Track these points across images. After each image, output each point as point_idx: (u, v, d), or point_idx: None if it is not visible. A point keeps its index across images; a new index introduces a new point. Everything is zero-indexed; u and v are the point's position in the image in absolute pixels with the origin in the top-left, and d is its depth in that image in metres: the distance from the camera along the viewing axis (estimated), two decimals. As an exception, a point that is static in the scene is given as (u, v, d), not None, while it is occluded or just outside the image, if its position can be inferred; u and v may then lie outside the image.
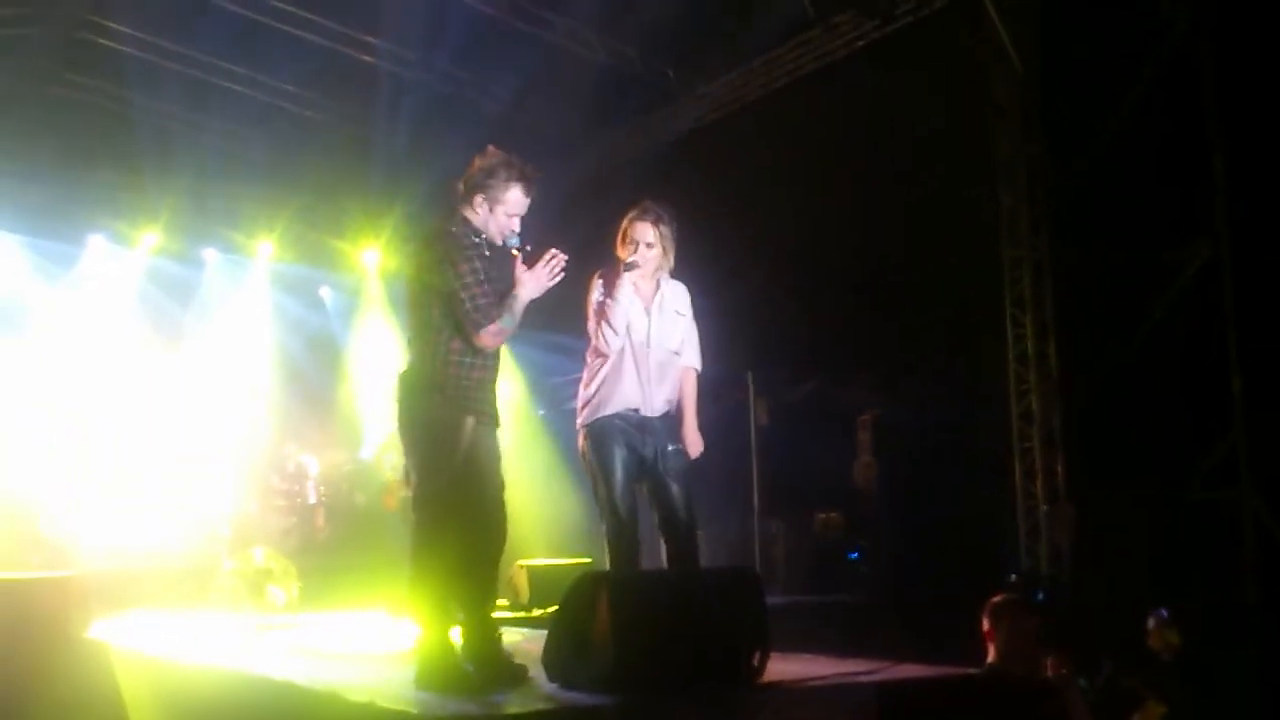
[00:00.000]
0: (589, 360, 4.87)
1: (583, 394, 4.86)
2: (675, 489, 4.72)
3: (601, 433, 4.72)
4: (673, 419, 4.83)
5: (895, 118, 9.46)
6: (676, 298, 4.89)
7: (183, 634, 6.14)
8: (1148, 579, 8.16)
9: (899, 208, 9.84)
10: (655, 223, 4.83)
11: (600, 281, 4.84)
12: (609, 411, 4.73)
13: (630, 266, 4.76)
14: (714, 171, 10.45)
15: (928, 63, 9.32)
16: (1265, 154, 8.73)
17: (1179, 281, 9.41)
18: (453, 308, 4.04)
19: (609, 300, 4.74)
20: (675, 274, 4.98)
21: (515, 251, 4.20)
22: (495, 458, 4.25)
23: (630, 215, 4.86)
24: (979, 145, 10.01)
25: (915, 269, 10.08)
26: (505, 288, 4.12)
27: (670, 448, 4.75)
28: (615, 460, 4.67)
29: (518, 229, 4.22)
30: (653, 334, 4.79)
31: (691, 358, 4.87)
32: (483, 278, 4.05)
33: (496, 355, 4.22)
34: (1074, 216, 9.76)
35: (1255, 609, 8.58)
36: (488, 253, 4.16)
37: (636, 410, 4.73)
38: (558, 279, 4.16)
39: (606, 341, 4.74)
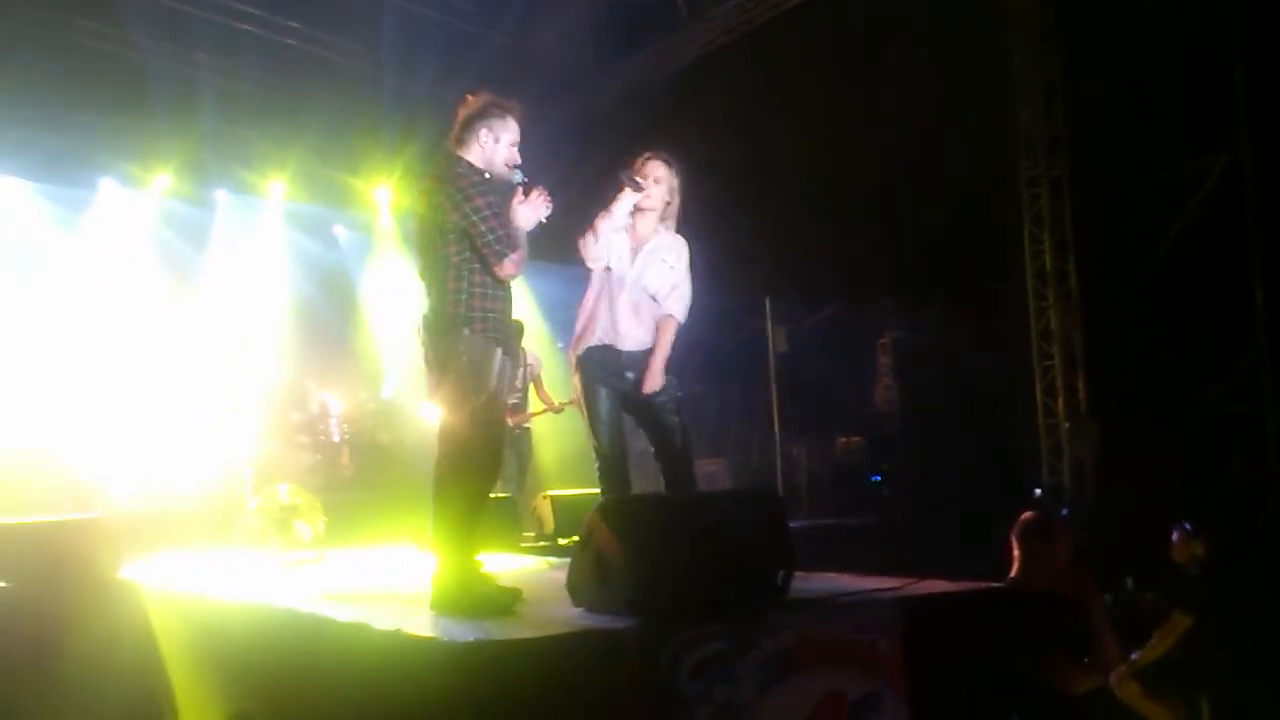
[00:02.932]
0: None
1: (576, 324, 4.96)
2: (662, 418, 4.80)
3: (583, 365, 4.84)
4: (650, 354, 4.85)
5: (911, 37, 9.31)
6: (671, 249, 4.89)
7: (212, 572, 6.21)
8: (1170, 494, 8.16)
9: (915, 129, 9.71)
10: (666, 163, 4.90)
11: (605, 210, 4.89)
12: (589, 344, 4.83)
13: (636, 187, 4.79)
14: (725, 98, 10.34)
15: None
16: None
17: (1198, 195, 9.30)
18: (473, 241, 4.09)
19: (599, 220, 4.81)
20: (686, 221, 5.00)
21: (518, 184, 4.26)
22: (505, 389, 4.33)
23: (644, 155, 4.91)
24: (997, 64, 9.86)
25: (932, 189, 9.98)
26: (509, 220, 4.20)
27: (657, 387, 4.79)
28: (596, 392, 4.80)
29: (519, 160, 4.27)
30: (631, 272, 4.80)
31: (673, 307, 4.85)
32: (493, 213, 4.10)
33: (509, 288, 4.27)
34: (1091, 133, 9.64)
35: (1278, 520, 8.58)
36: (501, 197, 4.22)
37: (612, 344, 4.79)
38: (547, 212, 4.23)
39: (586, 261, 4.83)
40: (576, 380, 4.88)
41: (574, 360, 4.89)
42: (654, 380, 4.77)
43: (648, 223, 4.90)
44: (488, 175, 4.23)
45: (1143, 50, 9.12)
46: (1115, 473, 9.23)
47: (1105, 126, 9.49)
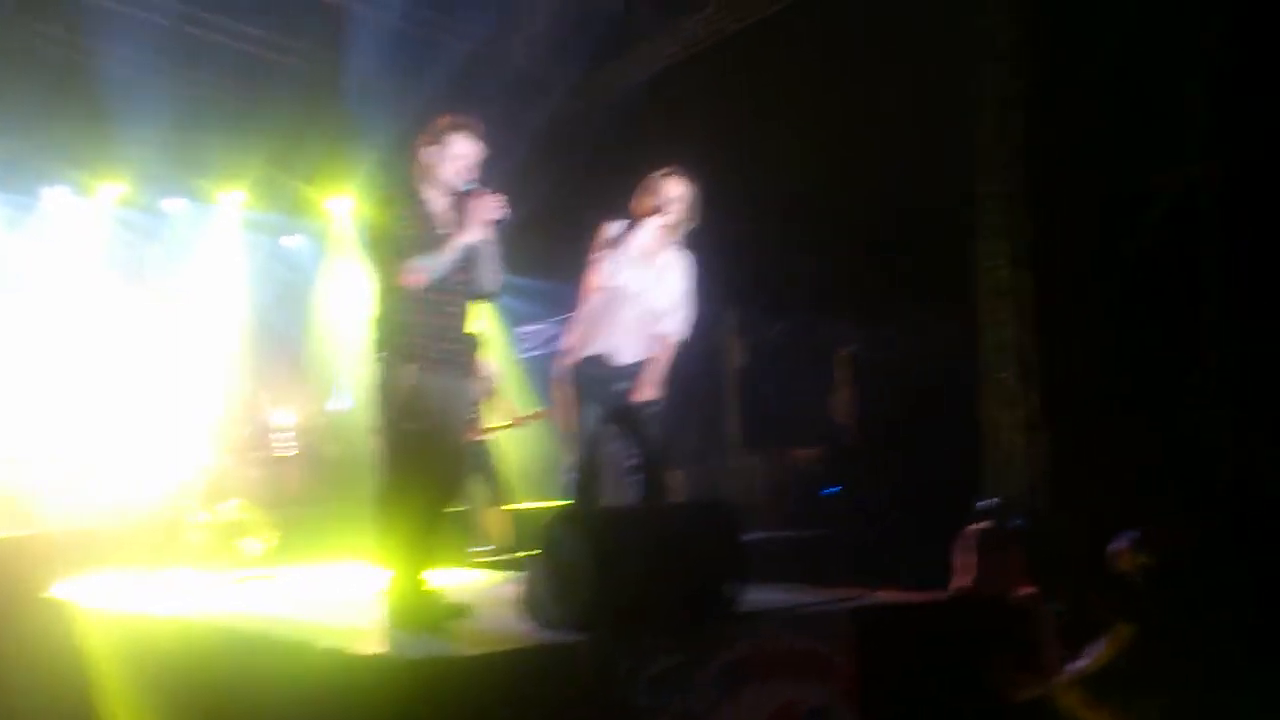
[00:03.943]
0: (581, 302, 4.96)
1: (567, 335, 4.99)
2: (647, 429, 4.80)
3: (575, 376, 4.87)
4: (645, 366, 4.92)
5: (872, 53, 9.38)
6: (677, 265, 4.96)
7: (150, 590, 6.09)
8: (1121, 505, 8.24)
9: (876, 143, 9.77)
10: (687, 181, 5.00)
11: (617, 226, 4.96)
12: (585, 354, 4.87)
13: (658, 211, 4.91)
14: (688, 111, 10.35)
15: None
16: (1245, 81, 8.71)
17: (1154, 211, 9.42)
18: (379, 254, 4.18)
19: (620, 242, 4.87)
20: None
21: (465, 193, 4.30)
22: (449, 408, 4.25)
23: (661, 172, 4.99)
24: (957, 79, 9.94)
25: (892, 203, 10.04)
26: (433, 228, 4.24)
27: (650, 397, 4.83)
28: (585, 404, 4.84)
29: (470, 175, 4.28)
30: (638, 289, 4.85)
31: (675, 326, 4.93)
32: (406, 223, 4.14)
33: (454, 304, 4.23)
34: (1049, 148, 9.73)
35: (1229, 531, 8.68)
36: (431, 209, 4.26)
37: (609, 355, 4.81)
38: (498, 217, 4.17)
39: (600, 284, 4.86)
40: (565, 391, 4.90)
41: (565, 371, 4.89)
42: (648, 390, 4.81)
43: (657, 239, 4.93)
44: (428, 195, 4.26)
45: (1102, 67, 9.24)
46: (1066, 484, 9.32)
47: (1063, 142, 9.59)
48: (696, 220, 5.01)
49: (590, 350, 4.84)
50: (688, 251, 5.06)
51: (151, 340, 10.24)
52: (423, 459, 4.09)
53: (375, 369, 4.18)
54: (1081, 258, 9.70)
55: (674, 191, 4.91)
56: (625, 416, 4.85)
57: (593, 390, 4.81)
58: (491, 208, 4.17)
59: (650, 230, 4.86)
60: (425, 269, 4.10)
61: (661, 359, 4.88)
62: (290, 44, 10.09)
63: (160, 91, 9.52)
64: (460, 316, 4.27)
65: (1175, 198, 9.27)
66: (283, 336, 11.44)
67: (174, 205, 11.08)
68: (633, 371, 4.85)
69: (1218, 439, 9.01)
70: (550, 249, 9.54)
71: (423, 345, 4.13)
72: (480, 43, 10.07)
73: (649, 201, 4.91)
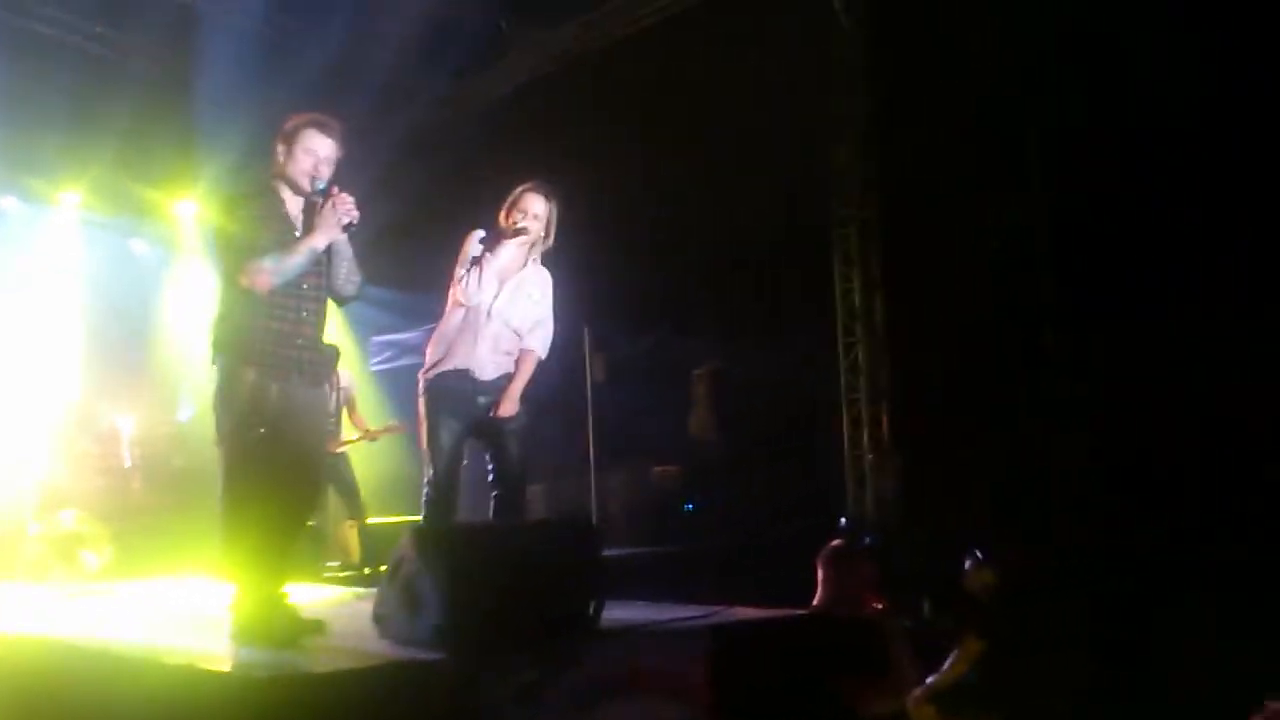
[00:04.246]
0: (442, 316, 4.90)
1: (429, 350, 4.90)
2: (509, 445, 4.83)
3: (434, 390, 4.79)
4: (507, 381, 4.88)
5: (733, 75, 9.51)
6: (537, 283, 4.94)
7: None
8: (967, 523, 8.50)
9: (735, 164, 9.92)
10: (547, 197, 4.94)
11: (478, 241, 4.89)
12: (445, 369, 4.79)
13: (520, 232, 4.83)
14: (550, 126, 10.34)
15: (765, 19, 9.39)
16: (1082, 112, 9.15)
17: (996, 238, 9.80)
18: (222, 253, 4.04)
19: (483, 258, 4.80)
20: None
21: (317, 195, 4.14)
22: (296, 411, 4.10)
23: (523, 187, 4.94)
24: (814, 105, 10.16)
25: (751, 224, 10.19)
26: (278, 229, 4.10)
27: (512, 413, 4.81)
28: (441, 419, 4.76)
29: (323, 173, 4.13)
30: (497, 306, 4.82)
31: (536, 344, 4.92)
32: (255, 224, 4.00)
33: (301, 309, 4.09)
34: (901, 176, 10.03)
35: (1071, 549, 9.04)
36: (285, 209, 4.14)
37: (469, 371, 4.77)
38: (349, 219, 4.05)
39: (461, 300, 4.80)
40: (422, 405, 4.82)
41: (422, 384, 4.82)
42: (509, 406, 4.78)
43: (517, 255, 4.89)
44: (278, 194, 4.12)
45: (949, 98, 9.58)
46: (916, 503, 9.58)
47: (914, 170, 9.89)
48: (554, 236, 4.98)
49: (450, 365, 4.78)
50: (547, 268, 5.03)
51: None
52: (268, 467, 3.92)
53: (214, 373, 4.03)
54: (931, 282, 10.02)
55: (535, 207, 4.88)
56: (485, 433, 4.83)
57: (452, 406, 4.75)
58: (344, 210, 4.05)
59: (512, 246, 4.83)
60: (272, 270, 3.93)
61: (523, 375, 4.85)
62: (134, 43, 9.73)
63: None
64: (313, 323, 4.11)
65: (1017, 227, 9.67)
66: (127, 343, 10.97)
67: (7, 204, 10.56)
68: (494, 387, 4.81)
69: (1062, 459, 9.39)
70: (410, 259, 9.41)
71: (264, 349, 3.97)
72: (341, 49, 9.87)
73: (510, 216, 4.89)
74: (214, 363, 4.05)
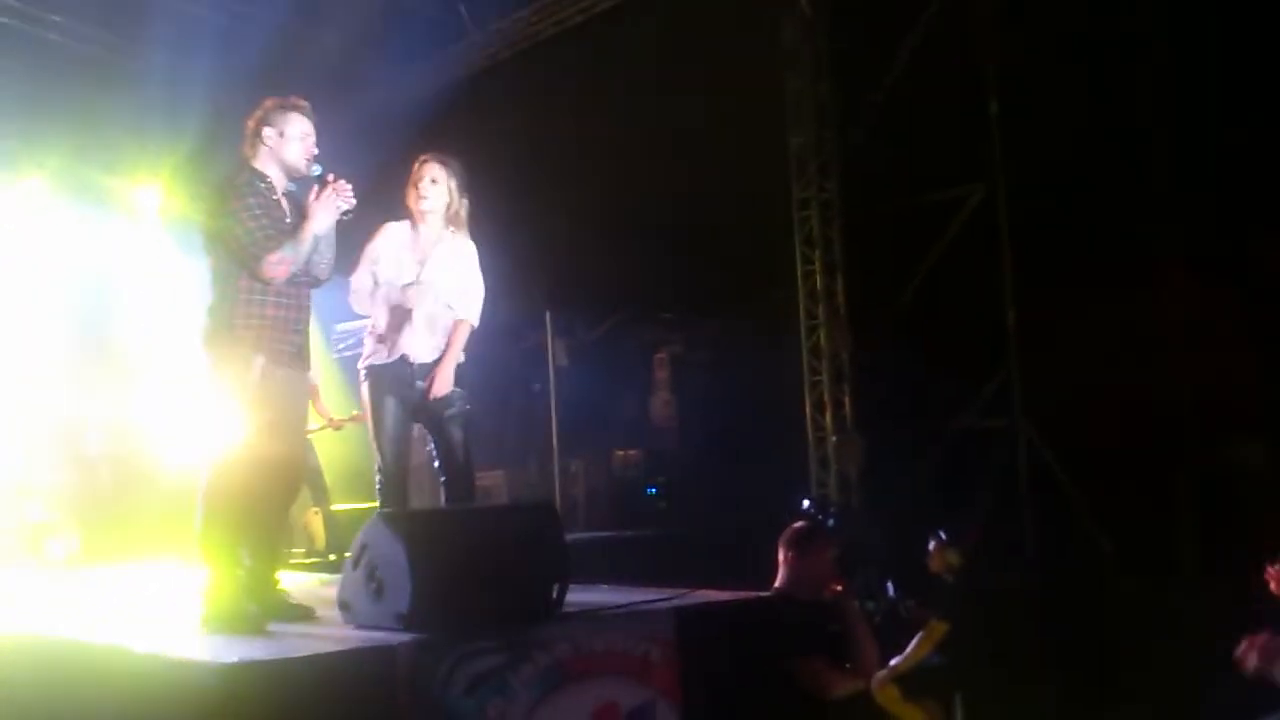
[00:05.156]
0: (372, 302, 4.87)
1: (365, 339, 4.89)
2: (450, 431, 4.79)
3: (373, 378, 4.77)
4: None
5: (691, 59, 9.53)
6: (460, 254, 4.86)
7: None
8: (930, 505, 8.62)
9: (695, 147, 9.94)
10: (443, 164, 4.84)
11: (397, 224, 4.85)
12: (382, 359, 4.77)
13: (423, 200, 4.78)
14: (508, 110, 10.31)
15: (721, 4, 9.41)
16: (1038, 97, 9.27)
17: (956, 220, 9.90)
18: (232, 245, 3.97)
19: (381, 245, 4.79)
20: (473, 230, 4.96)
21: (315, 180, 4.15)
22: (294, 401, 4.17)
23: (419, 160, 4.86)
24: (773, 88, 10.20)
25: (711, 208, 10.23)
26: (300, 222, 4.08)
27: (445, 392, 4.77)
28: (384, 406, 4.73)
29: (315, 152, 4.15)
30: (423, 285, 4.76)
31: (465, 311, 4.83)
32: (260, 212, 3.98)
33: (299, 295, 4.14)
34: (860, 158, 10.10)
35: (1029, 530, 9.20)
36: (278, 195, 4.12)
37: (405, 357, 4.74)
38: (348, 205, 4.09)
39: (372, 285, 4.81)
40: (364, 393, 4.80)
41: (363, 373, 4.80)
42: (443, 384, 4.74)
43: (432, 228, 4.83)
44: (268, 180, 4.09)
45: (909, 80, 9.66)
46: (878, 485, 9.68)
47: (873, 152, 9.97)
48: (465, 202, 4.86)
49: (386, 350, 4.74)
50: (469, 238, 4.93)
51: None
52: (266, 454, 3.96)
53: (218, 362, 4.00)
54: (891, 264, 10.11)
55: (433, 173, 4.78)
56: (425, 418, 4.80)
57: (391, 390, 4.71)
58: (344, 196, 4.06)
59: (424, 223, 4.78)
60: (291, 260, 3.96)
61: (454, 348, 4.79)
62: (89, 32, 9.62)
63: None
64: (305, 308, 4.16)
65: (975, 208, 9.78)
66: (90, 331, 10.88)
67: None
68: (430, 369, 4.73)
69: (1015, 443, 9.54)
70: (361, 245, 9.37)
71: (272, 335, 4.00)
72: (292, 36, 9.79)
73: (413, 192, 4.82)
74: (215, 351, 4.01)
